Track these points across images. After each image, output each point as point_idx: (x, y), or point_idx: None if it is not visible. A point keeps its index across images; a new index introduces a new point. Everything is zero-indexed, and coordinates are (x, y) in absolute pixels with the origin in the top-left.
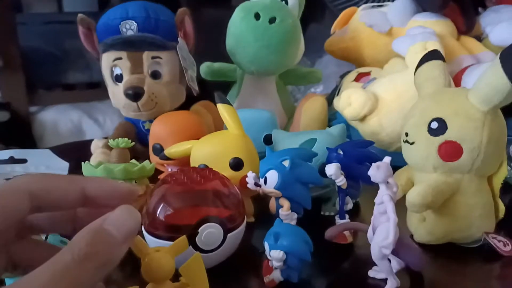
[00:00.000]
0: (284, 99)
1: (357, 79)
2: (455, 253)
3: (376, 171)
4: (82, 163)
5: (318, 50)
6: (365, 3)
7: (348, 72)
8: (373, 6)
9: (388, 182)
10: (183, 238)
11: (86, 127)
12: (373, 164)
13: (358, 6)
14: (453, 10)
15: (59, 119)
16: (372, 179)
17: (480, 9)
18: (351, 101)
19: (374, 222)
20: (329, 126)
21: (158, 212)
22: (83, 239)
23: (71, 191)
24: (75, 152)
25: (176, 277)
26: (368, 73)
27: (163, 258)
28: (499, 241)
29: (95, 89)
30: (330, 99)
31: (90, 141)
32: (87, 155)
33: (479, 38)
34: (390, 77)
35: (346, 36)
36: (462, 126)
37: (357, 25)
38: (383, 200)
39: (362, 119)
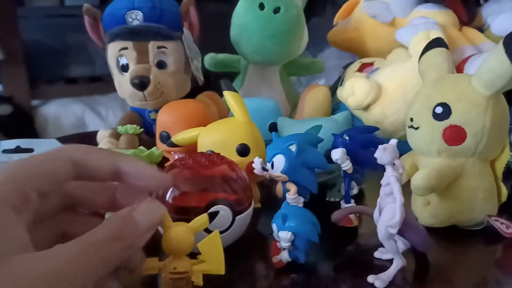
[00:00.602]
0: (288, 89)
1: (360, 69)
2: (458, 235)
3: (383, 153)
4: None
5: (319, 43)
6: None
7: (351, 62)
8: None
9: (394, 164)
10: (204, 216)
11: (88, 121)
12: (379, 146)
13: None
14: (455, 1)
15: (61, 112)
16: (379, 161)
17: (481, 0)
18: (354, 90)
19: (381, 203)
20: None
21: (168, 196)
22: (115, 222)
23: (106, 164)
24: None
25: (193, 255)
26: (371, 64)
27: (184, 232)
28: (501, 223)
29: (97, 83)
30: (333, 89)
31: (95, 132)
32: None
33: (481, 28)
34: (393, 67)
35: (349, 27)
36: (466, 111)
37: (360, 16)
38: (390, 181)
39: (366, 108)
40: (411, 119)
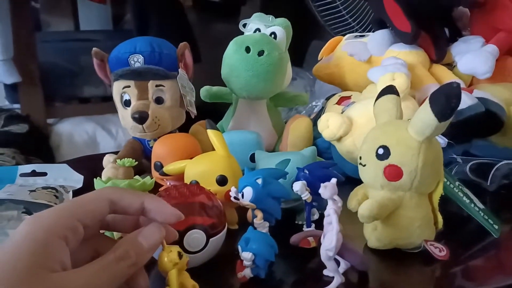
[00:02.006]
0: (275, 119)
1: (339, 102)
2: (399, 256)
3: (324, 190)
4: (94, 179)
5: None
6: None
7: (333, 95)
8: (355, 37)
9: (334, 199)
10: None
11: (100, 138)
12: (321, 184)
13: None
14: (425, 41)
15: (74, 130)
16: (322, 196)
17: (458, 38)
18: (329, 124)
19: (324, 230)
20: (314, 144)
21: None
22: (123, 245)
23: (135, 202)
24: (89, 165)
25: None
26: (349, 97)
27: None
28: (435, 247)
29: (109, 102)
30: (316, 119)
31: (103, 154)
32: (99, 168)
33: (451, 65)
34: (364, 102)
35: (331, 63)
36: (402, 153)
37: (341, 54)
38: (329, 213)
39: (339, 139)
40: (360, 157)
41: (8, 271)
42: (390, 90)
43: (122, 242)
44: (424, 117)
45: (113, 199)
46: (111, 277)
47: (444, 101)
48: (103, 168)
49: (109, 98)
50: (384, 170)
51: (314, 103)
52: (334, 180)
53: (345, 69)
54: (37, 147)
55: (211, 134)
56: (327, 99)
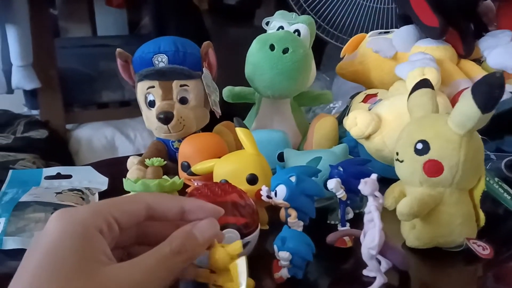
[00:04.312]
0: (299, 118)
1: (365, 100)
2: (440, 256)
3: (364, 186)
4: (124, 179)
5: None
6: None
7: (358, 93)
8: (379, 33)
9: (375, 195)
10: (239, 242)
11: (118, 143)
12: (361, 180)
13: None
14: (453, 36)
15: (93, 135)
16: (362, 192)
17: (484, 33)
18: (357, 121)
19: (365, 228)
20: (340, 143)
21: None
22: (178, 238)
23: (173, 205)
24: (112, 168)
25: None
26: (375, 95)
27: (222, 253)
28: (478, 245)
29: (127, 107)
30: (341, 118)
31: (124, 157)
32: (122, 171)
33: (479, 60)
34: (392, 99)
35: (355, 60)
36: (442, 147)
37: (365, 50)
38: (371, 210)
39: (367, 137)
40: (397, 153)
41: (58, 272)
42: (424, 84)
43: (177, 235)
44: (466, 109)
45: (151, 204)
46: (167, 271)
47: (488, 91)
48: (126, 171)
49: (127, 103)
50: (423, 165)
51: (332, 105)
52: (374, 176)
53: (370, 66)
54: (57, 152)
55: (240, 132)
56: (352, 97)
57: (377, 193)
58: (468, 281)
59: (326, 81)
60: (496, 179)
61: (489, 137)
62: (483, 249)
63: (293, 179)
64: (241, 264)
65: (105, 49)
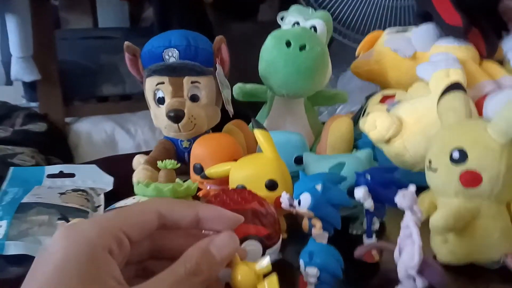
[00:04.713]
0: (312, 119)
1: (382, 101)
2: (476, 273)
3: (403, 199)
4: (135, 183)
5: (341, 65)
6: None
7: (373, 93)
8: (397, 31)
9: (413, 209)
10: (267, 259)
11: (118, 138)
12: (399, 191)
13: None
14: (475, 35)
15: (93, 129)
16: (398, 206)
17: (503, 32)
18: (376, 124)
19: (401, 243)
20: (355, 145)
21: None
22: (194, 257)
23: (188, 213)
24: (116, 166)
25: None
26: (393, 96)
27: (249, 273)
28: None
29: (127, 101)
30: (355, 119)
31: (128, 155)
32: (127, 170)
33: (501, 62)
34: (414, 101)
35: (371, 59)
36: (482, 157)
37: (382, 49)
38: (409, 225)
39: (387, 141)
40: (430, 161)
41: None
42: (456, 86)
43: (191, 254)
44: (510, 116)
45: (163, 212)
46: None
47: None
48: (131, 170)
49: (128, 97)
50: (460, 176)
51: (336, 105)
52: (412, 188)
53: (387, 65)
54: (56, 146)
55: (259, 134)
56: (367, 97)
57: (416, 207)
58: None
59: (331, 79)
60: None
61: None
62: None
63: (319, 187)
64: (273, 284)
65: (107, 41)
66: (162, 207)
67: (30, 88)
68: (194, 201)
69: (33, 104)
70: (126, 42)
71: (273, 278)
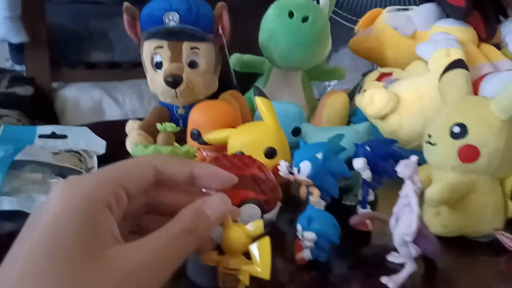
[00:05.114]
0: (308, 93)
1: (379, 79)
2: (466, 245)
3: (404, 168)
4: (134, 145)
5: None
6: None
7: (370, 71)
8: (398, 9)
9: (413, 179)
10: (260, 221)
11: (106, 106)
12: (401, 161)
13: None
14: (475, 18)
15: (80, 96)
16: (400, 174)
17: (501, 17)
18: (374, 100)
19: (398, 212)
20: (350, 121)
21: None
22: (189, 215)
23: (183, 170)
24: (108, 131)
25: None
26: (390, 74)
27: (241, 234)
28: (507, 237)
29: (116, 69)
30: (351, 95)
31: (119, 121)
32: (119, 135)
33: (499, 46)
34: (412, 79)
35: (371, 37)
36: (482, 132)
37: (382, 26)
38: (409, 194)
39: (383, 117)
40: (429, 136)
41: (56, 254)
42: (459, 64)
43: (187, 213)
44: None
45: (159, 167)
46: (178, 251)
47: None
48: (123, 135)
49: (117, 65)
50: (459, 150)
51: (327, 82)
52: (414, 158)
53: (386, 43)
54: (42, 111)
55: (260, 102)
56: (364, 75)
57: (416, 177)
58: (494, 273)
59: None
60: None
61: None
62: (511, 241)
63: (319, 156)
64: (265, 246)
65: (97, 6)
66: (158, 162)
67: (17, 50)
68: (189, 159)
69: (18, 68)
70: (125, 3)
71: (265, 240)
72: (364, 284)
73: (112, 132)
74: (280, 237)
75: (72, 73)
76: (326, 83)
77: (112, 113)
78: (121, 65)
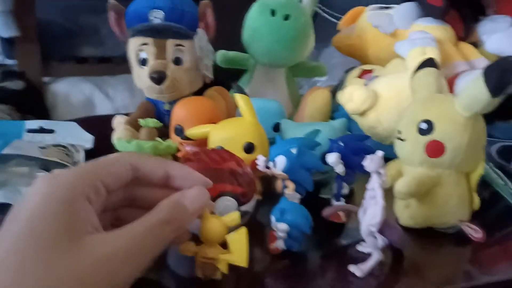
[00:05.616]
0: (292, 89)
1: (360, 76)
2: (433, 236)
3: (370, 162)
4: (116, 139)
5: (324, 40)
6: None
7: (353, 68)
8: (380, 7)
9: (379, 172)
10: (236, 213)
11: (97, 101)
12: (367, 156)
13: None
14: (453, 17)
15: (71, 91)
16: (366, 168)
17: (480, 17)
18: (353, 96)
19: (365, 204)
20: (332, 117)
21: None
22: (166, 207)
23: (159, 169)
24: (95, 126)
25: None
26: (371, 71)
27: (218, 225)
28: (471, 228)
29: (107, 64)
30: (334, 91)
31: (108, 116)
32: (106, 130)
33: (476, 44)
34: (390, 77)
35: (353, 34)
36: (447, 128)
37: (364, 25)
38: (374, 187)
39: (362, 113)
40: (399, 132)
41: (37, 240)
42: (430, 63)
43: (165, 204)
44: (476, 92)
45: (135, 164)
46: (155, 241)
47: (500, 75)
48: (110, 130)
49: (107, 59)
50: (425, 146)
51: (317, 78)
52: (380, 153)
53: (367, 41)
54: (33, 105)
55: (239, 98)
56: (347, 71)
57: (382, 171)
58: (459, 262)
59: (313, 54)
60: (491, 163)
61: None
62: (475, 232)
63: (294, 150)
64: (242, 236)
65: (87, 1)
66: (135, 161)
67: (8, 44)
68: (165, 159)
69: (9, 62)
70: (110, 0)
71: (242, 230)
72: (336, 272)
73: (101, 127)
74: (259, 228)
75: (63, 67)
76: (316, 78)
77: (103, 107)
78: (112, 59)
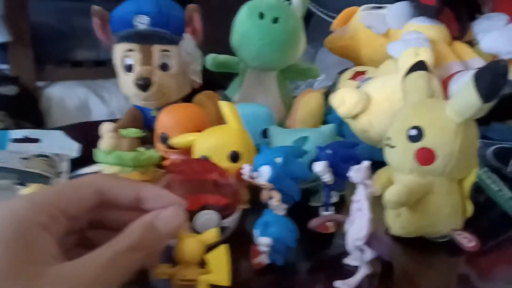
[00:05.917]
0: (284, 92)
1: (353, 77)
2: (424, 246)
3: (356, 173)
4: (94, 150)
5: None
6: None
7: (346, 69)
8: (373, 7)
9: (365, 183)
10: (215, 230)
11: (92, 104)
12: (353, 166)
13: None
14: (447, 16)
15: (66, 95)
16: (352, 179)
17: (477, 15)
18: (345, 100)
19: (351, 216)
20: (325, 120)
21: None
22: (138, 231)
23: (128, 191)
24: (85, 133)
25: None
26: (364, 72)
27: (195, 244)
28: (464, 237)
29: (102, 67)
30: (327, 93)
31: (97, 122)
32: (96, 136)
33: (472, 43)
34: (383, 79)
35: (346, 35)
36: (437, 135)
37: (357, 25)
38: (360, 199)
39: (354, 117)
40: (388, 138)
41: None
42: (420, 66)
43: (135, 227)
44: (467, 97)
45: (101, 188)
46: (124, 268)
47: (491, 80)
48: (98, 137)
49: (102, 63)
50: (415, 153)
51: (314, 80)
52: (366, 163)
53: (360, 42)
54: (27, 110)
55: (224, 106)
56: (340, 73)
57: (368, 182)
58: (452, 272)
59: (310, 53)
60: (486, 168)
61: (478, 123)
62: (468, 241)
63: (279, 160)
64: (221, 254)
65: (81, 4)
66: (101, 184)
67: (1, 49)
68: (137, 181)
69: (2, 67)
70: (93, 6)
71: (221, 248)
72: (322, 286)
73: (92, 133)
74: (245, 241)
75: (57, 71)
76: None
77: (98, 111)
78: (107, 63)
